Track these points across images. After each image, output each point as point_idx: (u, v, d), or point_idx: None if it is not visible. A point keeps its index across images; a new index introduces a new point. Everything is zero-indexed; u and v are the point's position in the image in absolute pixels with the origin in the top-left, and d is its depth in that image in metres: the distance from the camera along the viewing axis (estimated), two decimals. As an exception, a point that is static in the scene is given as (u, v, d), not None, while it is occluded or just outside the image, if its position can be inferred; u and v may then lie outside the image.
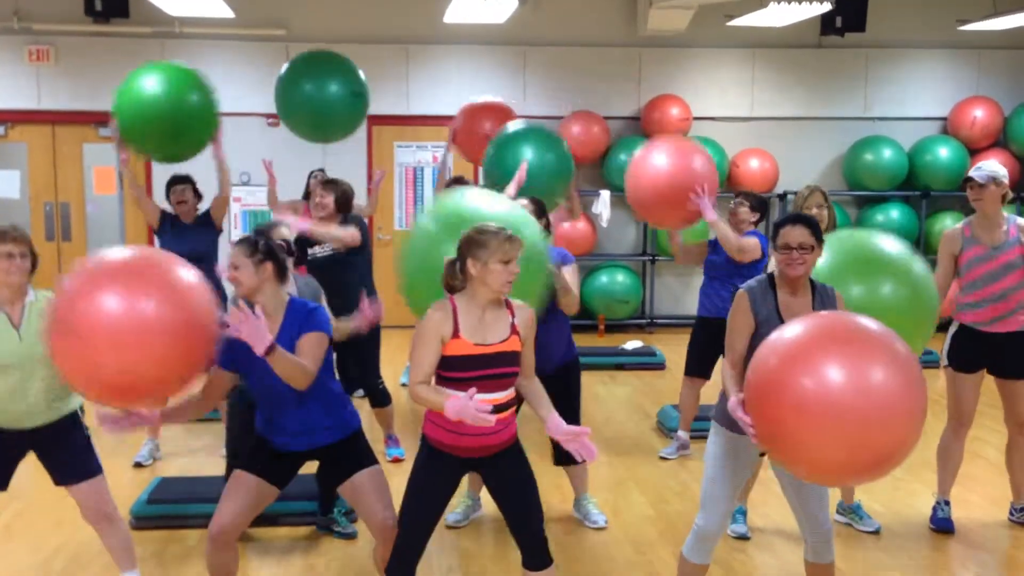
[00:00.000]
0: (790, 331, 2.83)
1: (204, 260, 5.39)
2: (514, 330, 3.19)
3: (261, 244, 3.33)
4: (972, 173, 4.36)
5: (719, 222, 5.00)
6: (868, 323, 2.78)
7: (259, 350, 3.04)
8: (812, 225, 3.30)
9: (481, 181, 6.16)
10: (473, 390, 2.95)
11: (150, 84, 5.30)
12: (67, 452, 3.54)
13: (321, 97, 5.97)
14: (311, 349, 3.29)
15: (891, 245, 3.82)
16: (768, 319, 3.26)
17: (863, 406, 2.58)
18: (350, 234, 5.10)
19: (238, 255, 3.31)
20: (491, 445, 3.22)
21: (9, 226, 3.46)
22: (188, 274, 3.06)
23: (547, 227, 4.48)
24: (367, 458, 3.46)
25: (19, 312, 3.44)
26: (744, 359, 3.20)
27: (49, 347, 2.98)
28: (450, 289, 3.21)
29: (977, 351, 4.44)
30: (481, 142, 6.44)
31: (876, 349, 2.67)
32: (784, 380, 2.68)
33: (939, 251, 4.51)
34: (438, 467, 3.23)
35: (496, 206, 3.71)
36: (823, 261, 3.52)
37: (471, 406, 2.89)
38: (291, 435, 3.39)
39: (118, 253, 3.11)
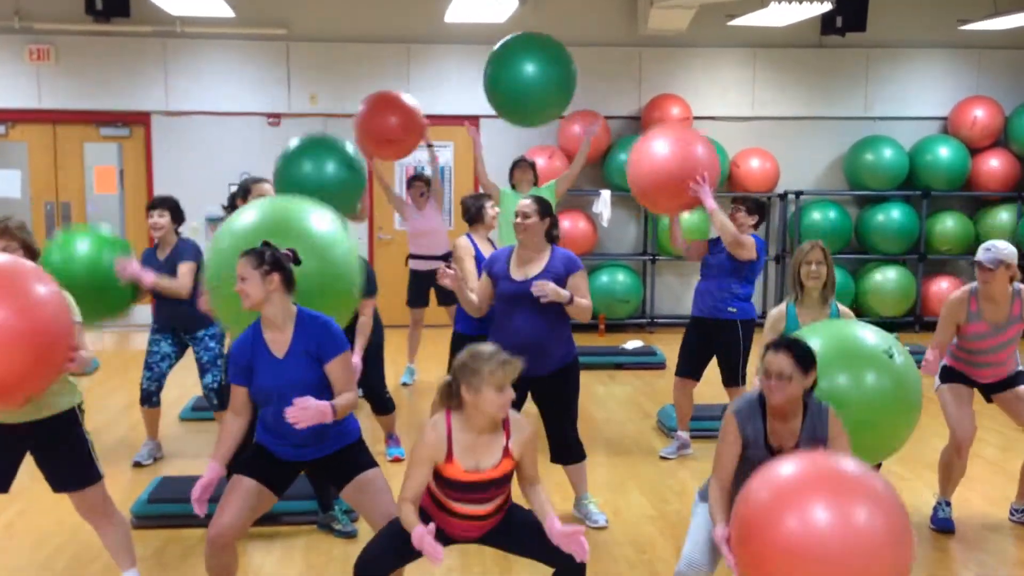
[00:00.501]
0: (782, 471, 2.72)
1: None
2: (507, 453, 3.15)
3: (267, 255, 3.31)
4: (981, 256, 4.29)
5: (718, 211, 4.98)
6: (855, 467, 2.70)
7: (329, 419, 3.17)
8: (798, 353, 3.14)
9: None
10: (432, 526, 2.97)
11: (72, 249, 4.81)
12: (66, 458, 3.51)
13: (319, 180, 5.48)
14: (344, 374, 3.34)
15: (873, 337, 3.77)
16: (755, 441, 3.22)
17: (849, 555, 2.50)
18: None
19: (244, 267, 3.29)
20: (478, 537, 3.29)
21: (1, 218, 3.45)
22: (41, 286, 3.04)
23: (553, 226, 4.45)
24: (367, 461, 3.48)
25: None
26: (732, 481, 3.18)
27: None
28: (446, 406, 3.17)
29: (968, 380, 4.54)
30: (385, 143, 6.27)
31: (863, 497, 2.58)
32: (773, 521, 2.60)
33: (943, 314, 4.45)
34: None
35: (309, 222, 3.65)
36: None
37: (428, 543, 2.91)
38: (295, 445, 3.40)
39: None
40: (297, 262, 3.39)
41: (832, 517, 2.53)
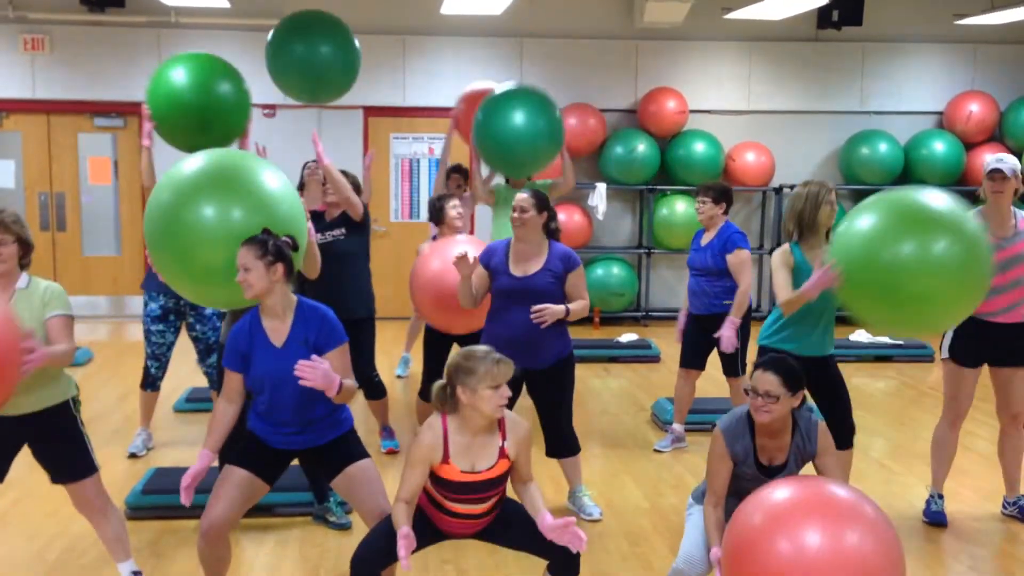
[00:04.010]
0: (775, 494, 2.78)
1: None
2: (503, 454, 3.16)
3: (271, 245, 3.28)
4: (998, 165, 4.33)
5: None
6: (847, 492, 2.76)
7: (332, 393, 3.18)
8: (785, 373, 3.15)
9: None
10: (407, 532, 2.96)
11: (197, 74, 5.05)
12: (61, 449, 3.51)
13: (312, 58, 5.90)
14: (343, 363, 3.34)
15: (941, 201, 3.64)
16: (746, 459, 3.24)
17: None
18: (358, 200, 5.01)
19: (246, 256, 3.26)
20: (473, 533, 3.31)
21: None
22: None
23: (551, 220, 4.43)
24: (359, 452, 3.49)
25: (8, 299, 3.39)
26: (724, 498, 3.23)
27: None
28: (441, 409, 3.17)
29: (979, 345, 4.44)
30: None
31: (854, 521, 2.63)
32: (765, 544, 2.64)
33: None
34: (421, 528, 3.20)
35: (259, 178, 3.53)
36: (867, 223, 3.57)
37: (403, 547, 2.91)
38: (288, 434, 3.40)
39: None
40: (296, 248, 3.38)
41: (823, 541, 2.56)
